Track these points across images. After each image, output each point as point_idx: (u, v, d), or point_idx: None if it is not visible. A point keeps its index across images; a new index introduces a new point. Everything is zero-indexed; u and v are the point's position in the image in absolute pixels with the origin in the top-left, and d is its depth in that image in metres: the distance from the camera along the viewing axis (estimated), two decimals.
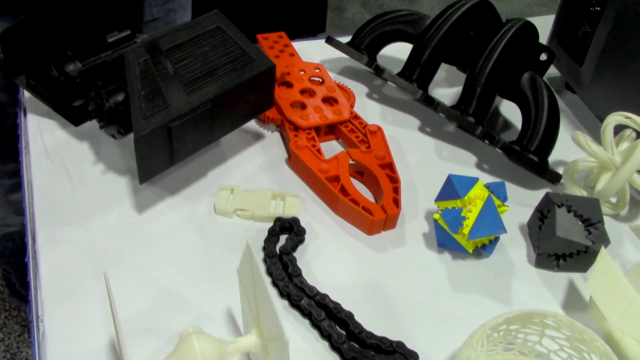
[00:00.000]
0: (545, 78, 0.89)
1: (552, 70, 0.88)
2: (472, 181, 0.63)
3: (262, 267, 0.60)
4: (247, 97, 0.65)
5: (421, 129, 0.79)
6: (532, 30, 0.76)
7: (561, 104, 0.85)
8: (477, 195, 0.62)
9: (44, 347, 0.52)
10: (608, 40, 0.74)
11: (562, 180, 0.72)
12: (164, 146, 0.59)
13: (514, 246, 0.66)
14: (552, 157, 0.74)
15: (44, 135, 0.71)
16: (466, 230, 0.61)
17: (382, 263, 0.62)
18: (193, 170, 0.69)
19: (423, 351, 0.55)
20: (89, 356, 0.52)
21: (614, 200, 0.71)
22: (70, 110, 0.71)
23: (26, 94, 0.74)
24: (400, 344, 0.54)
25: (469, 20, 0.78)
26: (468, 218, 0.61)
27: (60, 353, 0.52)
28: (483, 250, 0.64)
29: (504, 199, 0.63)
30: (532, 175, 0.73)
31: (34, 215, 0.62)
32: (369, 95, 0.83)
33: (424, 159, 0.74)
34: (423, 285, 0.61)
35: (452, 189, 0.62)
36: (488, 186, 0.63)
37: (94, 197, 0.65)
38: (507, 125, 0.82)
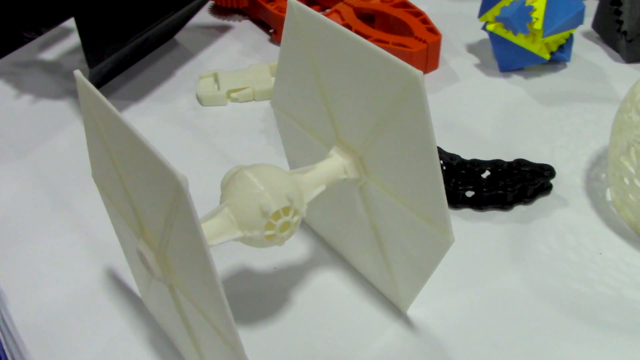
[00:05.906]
0: None
1: None
2: None
3: None
4: None
5: None
6: None
7: None
8: None
9: None
10: None
11: None
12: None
13: (589, 50, 0.51)
14: None
15: None
16: (538, 25, 0.45)
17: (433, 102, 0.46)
18: (153, 74, 0.51)
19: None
20: None
21: None
22: None
23: None
24: (521, 160, 0.38)
25: None
26: (536, 9, 0.46)
27: None
28: (561, 54, 0.49)
29: None
30: None
31: None
32: None
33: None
34: (488, 111, 0.45)
35: None
36: None
37: (30, 129, 0.46)
38: None
